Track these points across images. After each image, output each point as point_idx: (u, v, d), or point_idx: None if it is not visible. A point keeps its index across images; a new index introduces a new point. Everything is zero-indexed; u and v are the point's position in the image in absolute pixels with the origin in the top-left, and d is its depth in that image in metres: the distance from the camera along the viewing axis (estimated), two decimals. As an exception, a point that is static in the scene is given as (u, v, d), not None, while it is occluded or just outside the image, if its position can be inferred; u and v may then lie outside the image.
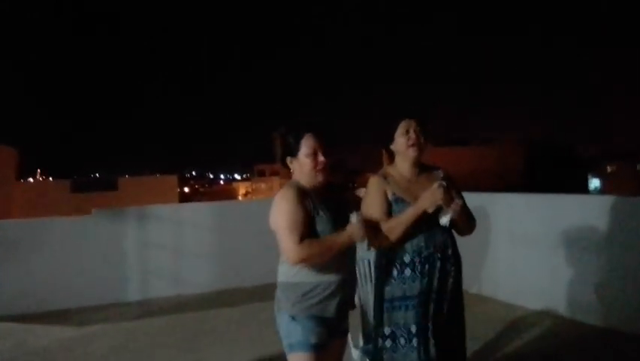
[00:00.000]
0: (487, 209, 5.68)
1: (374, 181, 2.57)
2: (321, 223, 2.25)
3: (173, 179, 33.15)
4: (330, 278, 2.26)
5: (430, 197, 2.41)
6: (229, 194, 64.57)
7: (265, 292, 6.07)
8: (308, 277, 2.24)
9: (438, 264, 2.50)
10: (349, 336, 2.91)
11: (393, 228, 2.47)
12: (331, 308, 2.27)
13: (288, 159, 2.34)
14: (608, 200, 4.84)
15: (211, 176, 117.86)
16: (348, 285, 2.34)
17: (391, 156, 2.67)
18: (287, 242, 2.19)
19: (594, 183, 45.12)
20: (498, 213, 5.69)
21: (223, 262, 6.50)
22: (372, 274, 2.93)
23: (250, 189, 64.84)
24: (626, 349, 4.10)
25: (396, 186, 2.57)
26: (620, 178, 43.06)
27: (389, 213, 2.52)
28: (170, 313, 5.51)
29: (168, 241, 6.27)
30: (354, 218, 2.26)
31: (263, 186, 60.33)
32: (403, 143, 2.56)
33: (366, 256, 3.03)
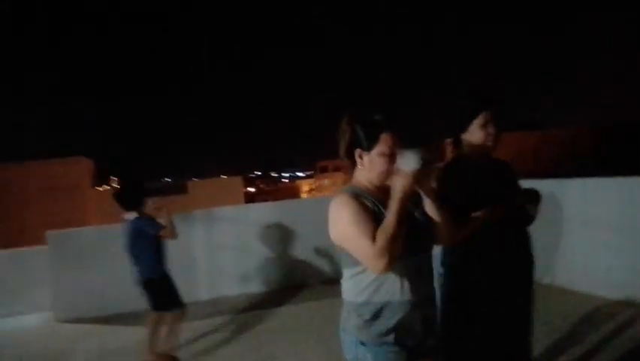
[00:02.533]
0: (557, 195, 5.43)
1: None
2: None
3: (238, 180, 34.07)
4: (404, 297, 1.86)
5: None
6: (293, 192, 65.37)
7: (331, 289, 6.16)
8: (377, 295, 1.87)
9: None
10: None
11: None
12: (407, 333, 1.88)
13: (358, 151, 1.92)
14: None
15: (275, 175, 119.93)
16: (426, 304, 1.94)
17: (457, 146, 2.48)
18: (362, 248, 1.79)
19: (679, 162, 42.04)
20: (570, 199, 5.42)
21: (288, 261, 6.60)
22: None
23: (314, 186, 65.31)
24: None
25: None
26: None
27: None
28: (238, 311, 5.65)
29: (235, 241, 6.43)
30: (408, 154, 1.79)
31: (326, 182, 60.54)
32: (481, 136, 2.38)
33: None
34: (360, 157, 1.92)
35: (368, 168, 1.91)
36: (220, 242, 6.39)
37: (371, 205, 1.88)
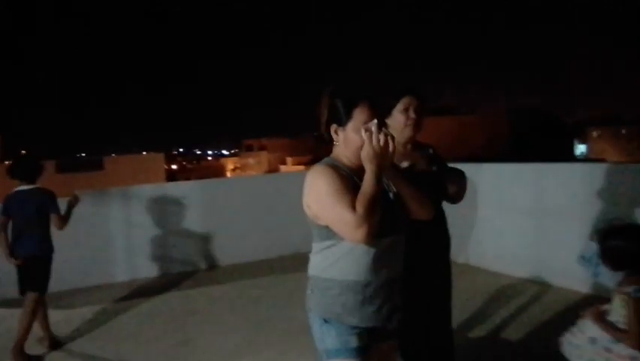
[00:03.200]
0: (474, 179, 5.66)
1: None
2: None
3: (159, 156, 32.92)
4: (371, 277, 1.81)
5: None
6: (217, 170, 64.29)
7: (254, 269, 6.13)
8: (344, 273, 1.81)
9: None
10: None
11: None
12: (371, 314, 1.83)
13: (334, 127, 1.87)
14: (593, 168, 4.86)
15: (198, 152, 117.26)
16: (394, 287, 1.88)
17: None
18: (341, 217, 1.71)
19: (580, 148, 45.50)
20: (485, 183, 5.67)
21: (210, 241, 6.46)
22: None
23: (238, 165, 64.56)
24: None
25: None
26: (605, 142, 43.49)
27: None
28: (157, 293, 5.47)
29: (154, 220, 6.19)
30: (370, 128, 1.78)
31: (251, 161, 60.03)
32: (401, 120, 2.50)
33: None
34: (336, 133, 1.87)
35: (343, 144, 1.86)
36: (138, 222, 6.12)
37: (348, 177, 1.82)
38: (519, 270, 5.27)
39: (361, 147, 1.77)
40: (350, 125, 1.83)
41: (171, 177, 42.54)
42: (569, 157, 37.02)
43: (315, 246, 1.91)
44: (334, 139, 1.88)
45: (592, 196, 4.57)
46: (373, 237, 1.73)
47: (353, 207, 1.69)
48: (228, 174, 59.37)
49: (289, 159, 53.73)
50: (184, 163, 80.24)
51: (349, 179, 1.81)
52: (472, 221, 5.77)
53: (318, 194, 1.79)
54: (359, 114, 1.82)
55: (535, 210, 5.16)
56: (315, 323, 1.90)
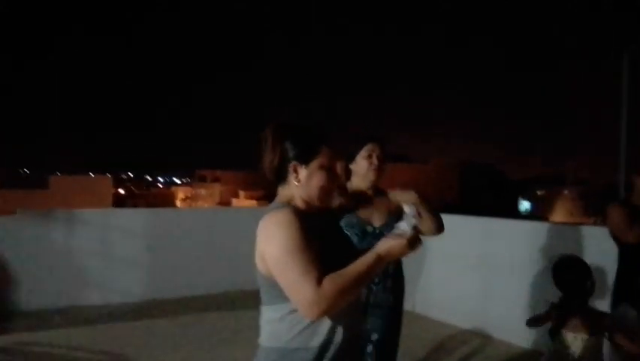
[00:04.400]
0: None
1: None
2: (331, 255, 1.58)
3: (107, 179, 32.01)
4: (341, 337, 1.59)
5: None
6: (167, 198, 62.96)
7: (200, 304, 5.97)
8: (315, 338, 1.56)
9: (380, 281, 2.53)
10: None
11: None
12: None
13: (293, 164, 1.65)
14: (537, 226, 5.07)
15: (149, 178, 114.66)
16: (358, 340, 1.73)
17: (348, 175, 2.70)
18: (299, 287, 1.47)
19: (524, 205, 47.29)
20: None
21: (155, 272, 6.27)
22: None
23: (190, 195, 63.46)
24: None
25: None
26: (548, 201, 45.44)
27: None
28: (98, 322, 5.23)
29: (98, 247, 5.98)
30: (407, 211, 1.62)
31: (203, 192, 59.14)
32: (365, 166, 2.61)
33: None
34: (296, 171, 1.66)
35: (305, 183, 1.65)
36: (81, 246, 5.89)
37: (310, 227, 1.57)
38: (463, 321, 5.37)
39: (326, 186, 1.65)
40: (315, 163, 1.65)
41: (119, 201, 41.30)
42: (514, 213, 38.37)
43: (274, 309, 1.60)
44: (292, 178, 1.66)
45: (535, 253, 4.75)
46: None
47: (316, 278, 1.46)
48: (178, 204, 58.18)
49: (242, 193, 53.30)
50: (133, 188, 78.20)
51: (311, 230, 1.57)
52: (419, 269, 5.86)
53: (276, 250, 1.52)
54: (325, 151, 1.67)
55: (481, 262, 5.31)
56: None
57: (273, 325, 1.61)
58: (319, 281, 1.46)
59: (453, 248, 5.58)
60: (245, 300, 6.07)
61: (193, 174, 66.96)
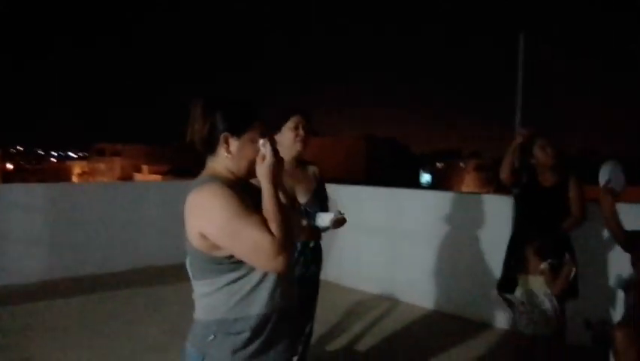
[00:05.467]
0: (335, 199, 5.95)
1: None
2: None
3: (-6, 154, 29.31)
4: (277, 305, 1.63)
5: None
6: (62, 173, 58.96)
7: (101, 282, 5.74)
8: (254, 307, 1.59)
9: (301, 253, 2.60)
10: None
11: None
12: (283, 346, 1.67)
13: (224, 135, 1.63)
14: (440, 195, 5.41)
15: (41, 152, 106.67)
16: (294, 308, 1.74)
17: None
18: (259, 244, 1.48)
19: (425, 177, 49.82)
20: (344, 203, 5.97)
21: (54, 250, 5.93)
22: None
23: (87, 169, 59.83)
24: (451, 327, 4.65)
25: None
26: (447, 173, 48.28)
27: None
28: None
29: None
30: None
31: (102, 166, 55.98)
32: (290, 137, 2.66)
33: None
34: (227, 142, 1.64)
35: (237, 155, 1.64)
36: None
37: (244, 193, 1.58)
38: (373, 287, 5.64)
39: (254, 160, 1.61)
40: (247, 136, 1.65)
41: (7, 178, 38.12)
42: (415, 185, 40.33)
43: (210, 283, 1.59)
44: (222, 149, 1.64)
45: (438, 221, 5.07)
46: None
47: (268, 230, 1.49)
48: (74, 179, 54.76)
49: (145, 167, 51.17)
50: (22, 163, 72.36)
51: (246, 195, 1.58)
52: (331, 239, 6.04)
53: (219, 220, 1.51)
54: (258, 125, 1.67)
55: (388, 231, 5.58)
56: None
57: (209, 298, 1.61)
58: (269, 231, 1.48)
59: (362, 218, 5.81)
60: (152, 276, 5.94)
61: (90, 148, 63.10)
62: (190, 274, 1.67)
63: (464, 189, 40.51)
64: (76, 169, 61.91)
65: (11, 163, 63.01)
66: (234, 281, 1.58)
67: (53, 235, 5.94)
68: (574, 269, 3.05)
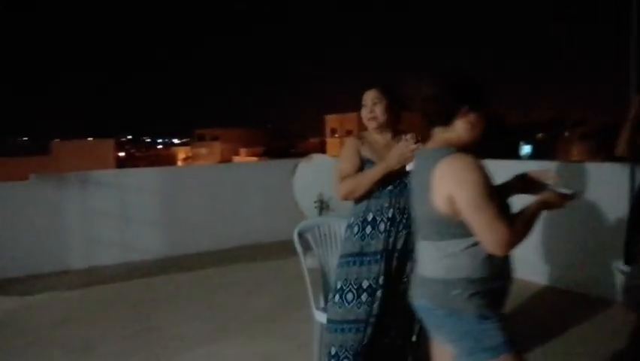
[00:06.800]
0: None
1: (350, 140, 2.68)
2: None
3: (109, 143, 31.94)
4: (510, 270, 1.84)
5: (395, 154, 2.47)
6: (167, 159, 62.96)
7: (214, 258, 6.09)
8: (491, 269, 1.75)
9: (400, 225, 2.58)
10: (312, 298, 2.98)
11: (360, 183, 2.57)
12: (503, 303, 1.85)
13: (465, 108, 1.77)
14: (546, 166, 5.10)
15: (148, 140, 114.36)
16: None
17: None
18: (494, 228, 1.64)
19: (525, 149, 47.30)
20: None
21: (170, 229, 6.38)
22: (337, 235, 3.00)
23: (190, 154, 63.36)
24: (567, 303, 4.45)
25: (369, 148, 2.66)
26: (550, 143, 45.45)
27: (361, 170, 2.62)
28: (118, 280, 5.37)
29: (113, 207, 6.05)
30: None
31: (203, 151, 59.00)
32: (364, 115, 2.67)
33: (324, 222, 3.10)
34: (466, 115, 1.78)
35: (474, 127, 1.79)
36: (96, 208, 5.97)
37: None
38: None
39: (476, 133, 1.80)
40: (482, 113, 1.81)
41: (120, 164, 41.31)
42: (515, 157, 38.43)
43: (455, 244, 1.74)
44: (459, 122, 1.78)
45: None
46: None
47: (507, 219, 1.67)
48: (179, 164, 58.30)
49: (242, 150, 53.23)
50: (132, 151, 78.08)
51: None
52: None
53: (471, 191, 1.65)
54: (486, 99, 1.83)
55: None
56: (468, 323, 1.75)
57: (453, 258, 1.75)
58: (509, 222, 1.66)
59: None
60: (259, 252, 6.21)
61: (192, 134, 66.65)
62: (421, 235, 1.87)
63: (572, 159, 37.98)
64: (181, 154, 65.82)
65: (123, 151, 68.11)
66: (475, 245, 1.72)
67: (168, 215, 6.37)
68: None
